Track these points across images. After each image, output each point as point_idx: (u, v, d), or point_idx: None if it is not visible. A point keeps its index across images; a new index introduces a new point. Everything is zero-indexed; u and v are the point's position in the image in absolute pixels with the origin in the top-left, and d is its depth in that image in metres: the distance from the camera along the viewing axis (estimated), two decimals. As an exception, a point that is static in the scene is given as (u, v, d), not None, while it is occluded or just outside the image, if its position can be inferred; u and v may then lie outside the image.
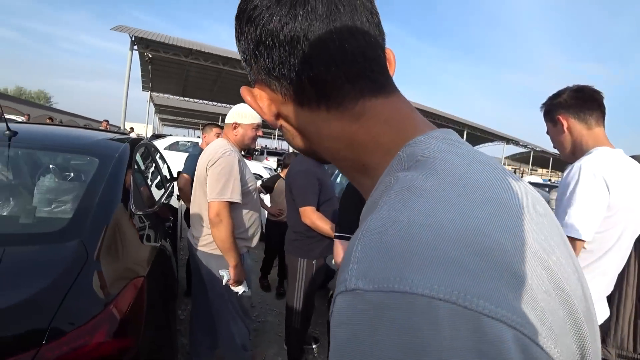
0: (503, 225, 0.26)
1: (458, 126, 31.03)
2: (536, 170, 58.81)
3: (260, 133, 2.10)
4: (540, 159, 50.36)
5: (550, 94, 1.47)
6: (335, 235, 1.65)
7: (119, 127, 15.86)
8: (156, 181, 3.11)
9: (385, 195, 0.31)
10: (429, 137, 0.36)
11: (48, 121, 10.93)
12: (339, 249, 1.61)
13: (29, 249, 1.16)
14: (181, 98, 31.70)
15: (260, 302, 3.61)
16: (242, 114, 1.99)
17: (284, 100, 0.40)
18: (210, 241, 1.89)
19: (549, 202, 4.47)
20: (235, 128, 2.01)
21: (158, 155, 3.87)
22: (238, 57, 0.44)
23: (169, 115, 48.16)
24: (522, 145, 39.96)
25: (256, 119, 2.04)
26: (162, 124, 60.25)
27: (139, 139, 2.83)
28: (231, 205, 1.82)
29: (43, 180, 1.60)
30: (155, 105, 36.60)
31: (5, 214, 1.41)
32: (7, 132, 1.62)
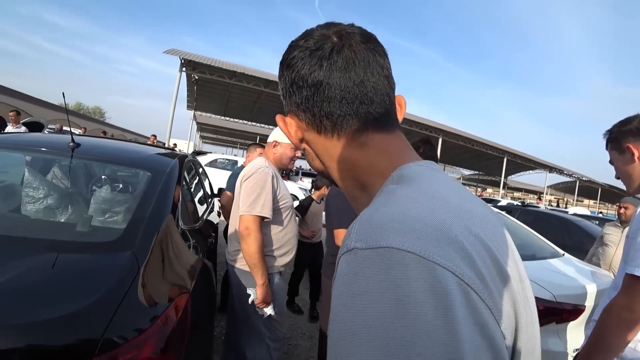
0: (454, 218, 0.37)
1: (497, 153, 29.91)
2: (582, 201, 55.14)
3: (298, 154, 2.10)
4: (586, 190, 47.27)
5: (618, 121, 1.36)
6: None
7: (164, 143, 16.72)
8: (200, 197, 3.18)
9: (375, 198, 0.43)
10: (415, 164, 0.47)
11: (101, 134, 11.76)
12: None
13: (84, 257, 1.20)
14: (222, 117, 33.06)
15: (292, 324, 3.54)
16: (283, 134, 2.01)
17: (307, 128, 0.51)
18: (242, 256, 1.88)
19: (602, 237, 4.11)
20: (275, 146, 2.02)
21: (201, 171, 3.99)
22: (279, 80, 0.55)
23: (210, 133, 50.26)
24: (566, 174, 37.71)
25: None
26: (203, 142, 62.94)
27: (186, 155, 2.94)
28: (262, 220, 1.80)
29: (99, 191, 1.67)
30: (197, 123, 38.40)
31: (63, 220, 1.49)
32: (72, 144, 1.72)
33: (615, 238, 3.91)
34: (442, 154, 31.40)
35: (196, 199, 3.11)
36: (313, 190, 4.23)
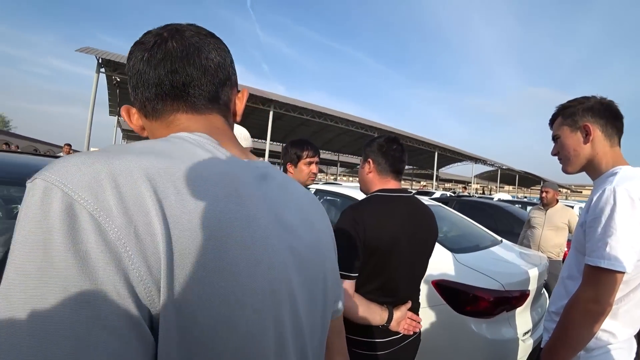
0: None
1: (429, 148, 31.81)
2: (503, 187, 61.05)
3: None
4: (506, 177, 52.42)
5: (572, 98, 1.30)
6: None
7: (83, 153, 15.01)
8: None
9: None
10: (188, 133, 0.51)
11: (4, 147, 10.13)
12: None
13: None
14: (151, 122, 30.78)
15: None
16: (237, 137, 1.70)
17: (140, 114, 0.59)
18: None
19: (529, 221, 4.40)
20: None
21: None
22: (210, 81, 0.59)
23: (138, 140, 46.68)
24: (489, 164, 41.40)
25: (250, 141, 1.70)
26: (131, 149, 58.23)
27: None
28: None
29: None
30: (122, 130, 35.39)
31: None
32: None
33: (540, 220, 4.21)
34: (379, 150, 32.41)
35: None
36: None
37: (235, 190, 0.45)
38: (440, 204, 3.91)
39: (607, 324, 1.15)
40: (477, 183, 60.53)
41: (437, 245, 2.47)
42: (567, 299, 1.18)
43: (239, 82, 0.66)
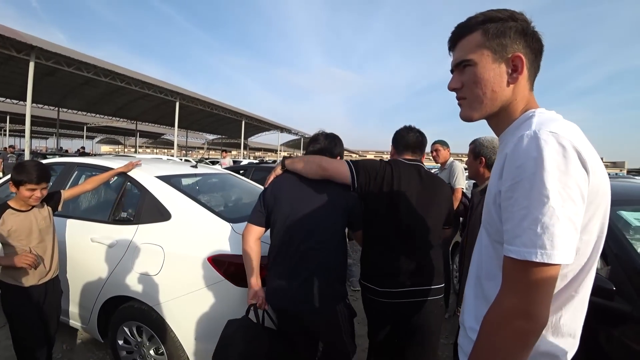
0: None
1: (236, 116, 31.76)
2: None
3: None
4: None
5: (489, 9, 0.88)
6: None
7: None
8: None
9: None
10: None
11: None
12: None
13: None
14: None
15: None
16: None
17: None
18: None
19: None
20: None
21: None
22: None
23: None
24: (294, 133, 45.21)
25: None
26: None
27: None
28: None
29: None
30: None
31: None
32: None
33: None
34: (182, 119, 30.29)
35: None
36: None
37: None
38: (230, 172, 3.72)
39: (549, 344, 0.80)
40: (285, 151, 65.56)
41: (212, 217, 2.25)
42: (487, 308, 0.78)
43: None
